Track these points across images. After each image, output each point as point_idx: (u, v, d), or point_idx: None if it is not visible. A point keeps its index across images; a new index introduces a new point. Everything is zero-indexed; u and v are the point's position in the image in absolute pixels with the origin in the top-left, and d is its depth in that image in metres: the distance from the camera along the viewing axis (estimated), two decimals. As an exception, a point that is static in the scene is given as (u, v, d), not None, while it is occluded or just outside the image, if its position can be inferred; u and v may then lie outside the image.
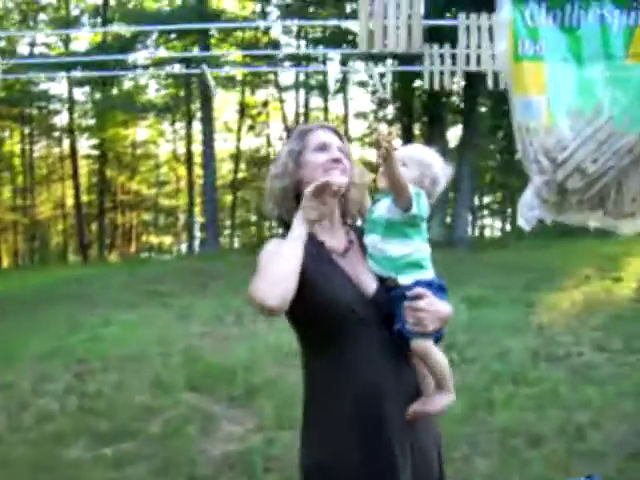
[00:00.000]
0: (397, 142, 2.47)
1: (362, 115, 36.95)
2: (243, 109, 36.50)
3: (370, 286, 2.33)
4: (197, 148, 31.84)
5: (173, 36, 27.36)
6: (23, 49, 32.39)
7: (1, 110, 32.68)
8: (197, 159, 32.44)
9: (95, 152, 36.74)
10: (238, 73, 30.54)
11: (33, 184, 38.04)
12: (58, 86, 33.56)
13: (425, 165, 2.39)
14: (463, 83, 7.95)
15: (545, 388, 6.92)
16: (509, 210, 38.70)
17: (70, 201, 37.28)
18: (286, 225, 2.37)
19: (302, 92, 32.79)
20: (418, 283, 2.29)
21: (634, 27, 2.96)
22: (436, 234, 18.08)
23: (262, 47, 27.30)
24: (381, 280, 2.34)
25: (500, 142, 36.18)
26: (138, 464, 5.38)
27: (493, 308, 10.79)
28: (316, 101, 36.81)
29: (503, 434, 5.67)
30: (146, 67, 26.45)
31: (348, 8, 24.75)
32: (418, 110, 29.50)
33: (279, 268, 2.13)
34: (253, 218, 42.92)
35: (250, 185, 40.31)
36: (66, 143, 35.98)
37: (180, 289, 14.74)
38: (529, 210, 3.09)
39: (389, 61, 8.81)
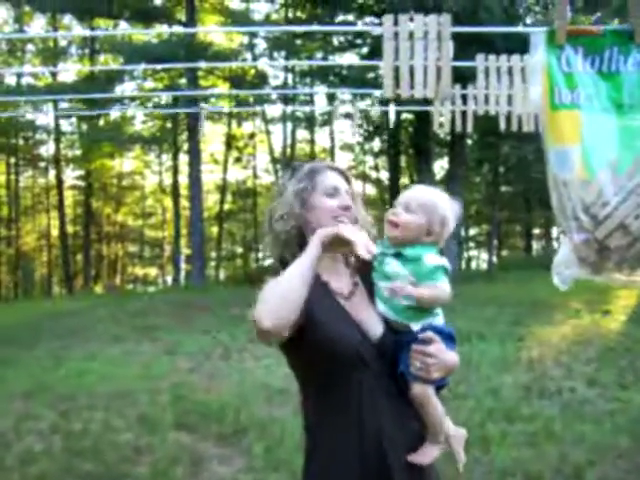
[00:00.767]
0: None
1: (348, 147, 37.10)
2: (230, 141, 36.54)
3: (376, 330, 2.26)
4: (183, 180, 31.80)
5: (160, 68, 27.43)
6: (10, 79, 32.37)
7: (-13, 141, 32.60)
8: (183, 191, 32.40)
9: (81, 183, 36.70)
10: (225, 108, 30.61)
11: (18, 214, 37.80)
12: (45, 117, 33.43)
13: (430, 208, 2.29)
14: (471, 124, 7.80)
15: (539, 425, 6.82)
16: (495, 242, 38.82)
17: (55, 232, 37.11)
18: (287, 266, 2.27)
19: (289, 124, 32.85)
20: (429, 328, 2.23)
21: None
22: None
23: (249, 79, 27.38)
24: (387, 323, 2.27)
25: (486, 175, 36.37)
26: (125, 507, 5.23)
27: (483, 342, 10.71)
28: (302, 133, 36.96)
29: (501, 474, 5.56)
30: (133, 99, 26.45)
31: (335, 41, 24.92)
32: (405, 142, 29.62)
33: (283, 290, 2.03)
34: (239, 250, 42.80)
35: (236, 217, 40.27)
36: (52, 174, 35.96)
37: (167, 323, 14.61)
38: (566, 269, 2.93)
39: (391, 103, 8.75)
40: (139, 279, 42.86)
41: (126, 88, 27.61)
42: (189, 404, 7.87)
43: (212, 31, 28.40)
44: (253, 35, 27.74)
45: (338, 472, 2.18)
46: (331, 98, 24.99)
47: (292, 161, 31.40)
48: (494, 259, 30.68)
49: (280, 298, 2.00)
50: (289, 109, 28.38)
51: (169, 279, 39.35)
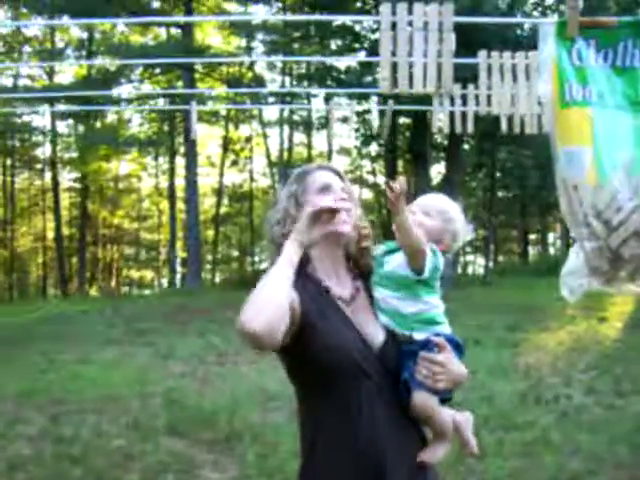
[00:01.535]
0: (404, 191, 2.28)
1: (346, 151, 37.04)
2: (226, 144, 36.46)
3: (377, 338, 2.20)
4: (180, 182, 31.73)
5: (158, 71, 27.36)
6: (6, 81, 32.29)
7: (-17, 142, 32.53)
8: (180, 193, 32.32)
9: (77, 185, 36.58)
10: (221, 109, 30.56)
11: (13, 216, 37.69)
12: (41, 119, 33.35)
13: (449, 219, 2.27)
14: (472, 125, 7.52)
15: (536, 433, 6.74)
16: (491, 247, 38.80)
17: (51, 234, 37.00)
18: None
19: (286, 128, 32.79)
20: (439, 335, 2.18)
21: None
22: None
23: (246, 82, 27.33)
24: (389, 331, 2.21)
25: (482, 180, 36.34)
26: (114, 515, 5.14)
27: (478, 349, 10.64)
28: (299, 137, 36.92)
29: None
30: (130, 101, 26.38)
31: (333, 45, 24.88)
32: (402, 147, 29.57)
33: (267, 292, 1.94)
34: (235, 254, 42.73)
35: (232, 220, 40.20)
36: (48, 176, 35.81)
37: (161, 326, 14.53)
38: (576, 279, 2.78)
39: (390, 100, 8.50)
40: (134, 282, 42.76)
41: (123, 90, 27.45)
42: (182, 409, 7.79)
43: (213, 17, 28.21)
44: (251, 37, 27.67)
45: None
46: (328, 101, 24.94)
47: (289, 164, 31.42)
48: (490, 264, 30.63)
49: (263, 298, 1.92)
50: (286, 110, 28.33)
51: (165, 282, 39.25)
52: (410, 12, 4.18)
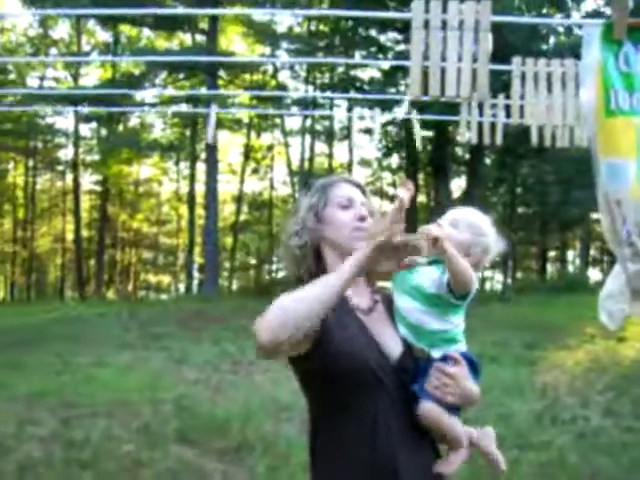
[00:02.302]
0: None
1: (366, 163, 37.00)
2: (248, 152, 36.51)
3: (394, 350, 2.14)
4: (200, 188, 31.79)
5: (181, 76, 27.46)
6: (32, 82, 32.56)
7: (7, 142, 32.76)
8: (199, 199, 32.40)
9: (98, 188, 36.81)
10: (244, 116, 30.60)
11: (34, 217, 37.94)
12: (64, 120, 33.57)
13: (477, 231, 2.21)
14: (500, 137, 7.24)
15: (552, 455, 6.62)
16: (510, 263, 38.57)
17: (70, 236, 37.22)
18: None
19: (308, 137, 32.79)
20: (456, 352, 2.13)
21: None
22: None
23: (270, 90, 27.37)
24: (407, 346, 2.15)
25: (503, 195, 36.15)
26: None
27: (495, 366, 10.51)
28: (321, 147, 36.92)
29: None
30: (153, 105, 26.50)
31: (357, 56, 24.87)
32: (423, 160, 29.49)
33: (293, 308, 1.87)
34: (253, 261, 42.74)
35: (251, 228, 40.23)
36: (69, 177, 36.05)
37: (176, 332, 14.50)
38: (616, 303, 2.64)
39: (414, 110, 8.29)
40: (152, 286, 42.84)
41: (146, 95, 27.61)
42: (193, 416, 7.73)
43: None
44: (275, 46, 27.73)
45: None
46: (351, 111, 24.94)
47: (310, 174, 31.42)
48: (509, 281, 30.41)
49: (285, 315, 1.85)
50: (309, 120, 28.32)
51: (182, 287, 39.29)
52: (444, 10, 3.84)
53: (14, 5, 30.70)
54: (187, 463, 6.28)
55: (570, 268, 39.55)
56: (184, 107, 27.19)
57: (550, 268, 41.59)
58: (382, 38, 24.17)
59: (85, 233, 37.00)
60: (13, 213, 38.30)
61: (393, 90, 22.83)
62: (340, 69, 26.06)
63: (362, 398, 2.06)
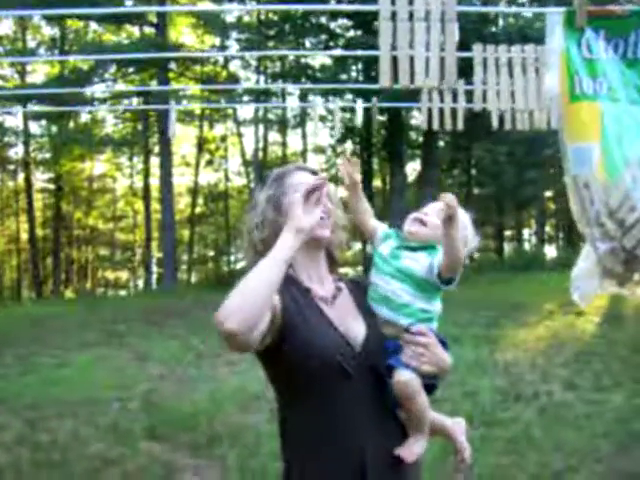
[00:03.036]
0: (358, 176, 2.34)
1: (320, 150, 36.99)
2: (201, 143, 36.27)
3: (358, 335, 2.17)
4: (155, 182, 31.51)
5: (131, 70, 27.12)
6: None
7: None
8: (155, 194, 32.11)
9: (51, 186, 36.22)
10: (196, 107, 30.37)
11: (-14, 218, 37.28)
12: (13, 119, 32.94)
13: (463, 226, 2.23)
14: (462, 122, 7.26)
15: (518, 430, 6.76)
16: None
17: (24, 235, 36.62)
18: None
19: (261, 127, 32.66)
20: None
21: None
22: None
23: (221, 81, 27.17)
24: (371, 329, 2.18)
25: (458, 177, 36.47)
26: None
27: (457, 346, 10.62)
28: (274, 136, 36.82)
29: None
30: (104, 101, 26.14)
31: (307, 43, 24.83)
32: (377, 145, 29.59)
33: (252, 288, 1.86)
34: (211, 253, 42.51)
35: (208, 220, 40.02)
36: (21, 176, 35.41)
37: (138, 327, 14.39)
38: (587, 282, 2.67)
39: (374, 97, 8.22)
40: (110, 283, 42.42)
41: (96, 90, 27.19)
42: (161, 412, 7.70)
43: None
44: (225, 36, 27.51)
45: None
46: (303, 99, 24.89)
47: (264, 163, 31.33)
48: (466, 261, 30.69)
49: (245, 295, 1.84)
50: (261, 109, 28.19)
51: (140, 283, 38.96)
52: (410, 2, 3.89)
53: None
54: (157, 459, 6.27)
55: (526, 246, 40.02)
56: (135, 101, 26.90)
57: (507, 247, 42.10)
58: (332, 25, 24.13)
59: (40, 232, 36.44)
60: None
61: (344, 76, 22.86)
62: (291, 57, 25.97)
63: (328, 388, 2.09)
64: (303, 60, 24.87)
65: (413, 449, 2.12)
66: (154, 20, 26.01)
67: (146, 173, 33.48)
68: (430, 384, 2.15)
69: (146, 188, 33.08)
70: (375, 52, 4.19)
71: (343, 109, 20.52)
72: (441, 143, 28.96)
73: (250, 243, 2.29)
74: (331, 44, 23.50)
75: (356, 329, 2.17)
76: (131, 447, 6.54)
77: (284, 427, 2.20)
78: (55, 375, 9.99)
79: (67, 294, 34.26)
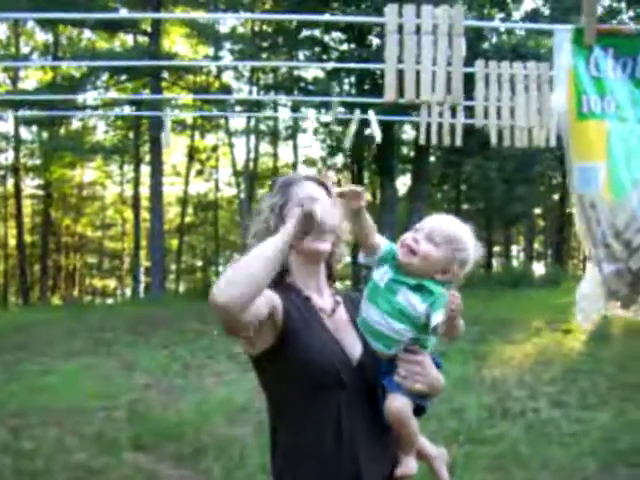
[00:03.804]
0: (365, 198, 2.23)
1: (312, 162, 37.00)
2: (192, 153, 36.23)
3: (356, 350, 2.17)
4: (144, 191, 31.44)
5: (124, 78, 27.10)
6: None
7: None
8: (144, 202, 32.02)
9: (40, 192, 36.08)
10: (188, 117, 30.36)
11: (-26, 223, 37.05)
12: (4, 124, 32.82)
13: (455, 246, 2.13)
14: (460, 138, 7.16)
15: (504, 447, 6.73)
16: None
17: (12, 241, 36.43)
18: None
19: (252, 137, 32.66)
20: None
21: None
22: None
23: (214, 91, 27.19)
24: (366, 345, 2.17)
25: (448, 192, 36.57)
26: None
27: (445, 361, 10.59)
28: (265, 147, 36.83)
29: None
30: (95, 108, 26.09)
31: (301, 55, 24.88)
32: (368, 158, 29.63)
33: (246, 265, 1.86)
34: (199, 263, 42.43)
35: (197, 230, 39.96)
36: (10, 182, 35.24)
37: (125, 336, 14.31)
38: (591, 303, 2.63)
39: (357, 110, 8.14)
40: (97, 291, 42.25)
41: (88, 97, 27.12)
42: (146, 422, 7.64)
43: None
44: (218, 47, 27.56)
45: None
46: (296, 110, 24.91)
47: (255, 174, 31.31)
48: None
49: (240, 274, 1.83)
50: (253, 120, 28.20)
51: (128, 291, 38.80)
52: (418, 15, 3.81)
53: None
54: (142, 470, 6.22)
55: (515, 263, 40.12)
56: (127, 109, 26.84)
57: (495, 263, 42.20)
58: (326, 38, 24.20)
59: (28, 238, 36.27)
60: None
61: (337, 89, 22.90)
62: (284, 69, 26.02)
63: (324, 399, 2.08)
64: (296, 72, 24.91)
65: (410, 464, 2.14)
66: (148, 29, 26.03)
67: (136, 181, 33.39)
68: (420, 406, 2.14)
69: (136, 196, 32.97)
70: (369, 65, 4.16)
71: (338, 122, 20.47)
72: (432, 158, 29.04)
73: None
74: (324, 57, 23.55)
75: (353, 345, 2.18)
76: (116, 457, 6.49)
77: (275, 437, 2.19)
78: (40, 383, 9.91)
79: (54, 301, 34.09)
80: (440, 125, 7.08)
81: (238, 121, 33.46)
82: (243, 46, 25.78)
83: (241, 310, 1.81)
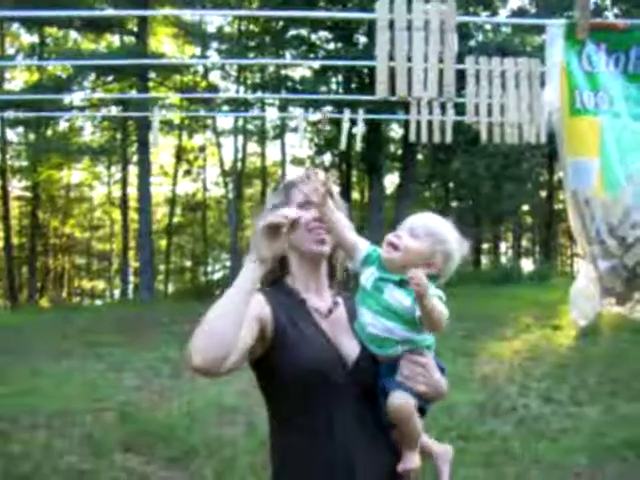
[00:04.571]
0: (335, 188, 2.23)
1: (299, 161, 36.99)
2: (180, 153, 36.17)
3: (353, 353, 2.15)
4: (132, 192, 31.36)
5: (110, 78, 27.00)
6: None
7: None
8: (132, 203, 31.93)
9: (27, 194, 35.92)
10: (175, 117, 30.29)
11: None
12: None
13: (437, 238, 2.13)
14: (450, 135, 7.12)
15: (495, 444, 6.75)
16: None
17: (0, 244, 36.24)
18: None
19: (240, 137, 32.61)
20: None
21: None
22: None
23: (201, 91, 27.14)
24: (365, 348, 2.14)
25: (436, 190, 36.62)
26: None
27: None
28: (253, 146, 36.79)
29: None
30: (82, 109, 25.99)
31: (288, 55, 24.86)
32: (356, 157, 29.63)
33: (217, 324, 1.86)
34: (188, 264, 42.37)
35: (185, 230, 39.89)
36: (-3, 184, 35.07)
37: (114, 338, 14.25)
38: (587, 300, 2.61)
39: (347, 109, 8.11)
40: (86, 292, 42.11)
41: (74, 98, 27.01)
42: (136, 424, 7.60)
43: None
44: (205, 46, 27.51)
45: None
46: (283, 110, 24.87)
47: (242, 174, 31.25)
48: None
49: (210, 332, 1.86)
50: (240, 119, 28.15)
51: (117, 292, 38.68)
52: (409, 10, 3.72)
53: None
54: (132, 472, 6.19)
55: (503, 260, 40.25)
56: (114, 110, 26.73)
57: (484, 260, 42.31)
58: (313, 37, 24.19)
59: (16, 240, 36.08)
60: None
61: (324, 88, 22.89)
62: (271, 68, 25.99)
63: (317, 400, 2.08)
64: (283, 72, 24.88)
65: (413, 459, 2.12)
66: (134, 29, 25.95)
67: (124, 182, 33.32)
68: (420, 408, 2.12)
69: (124, 197, 32.91)
70: (356, 62, 4.13)
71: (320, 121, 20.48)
72: (420, 156, 29.08)
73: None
74: (311, 56, 23.53)
75: (350, 346, 2.16)
76: (106, 459, 6.46)
77: (272, 438, 2.20)
78: (29, 385, 9.84)
79: (42, 303, 33.94)
80: (430, 122, 7.07)
81: (225, 121, 33.47)
82: (230, 45, 25.74)
83: (220, 366, 1.85)
